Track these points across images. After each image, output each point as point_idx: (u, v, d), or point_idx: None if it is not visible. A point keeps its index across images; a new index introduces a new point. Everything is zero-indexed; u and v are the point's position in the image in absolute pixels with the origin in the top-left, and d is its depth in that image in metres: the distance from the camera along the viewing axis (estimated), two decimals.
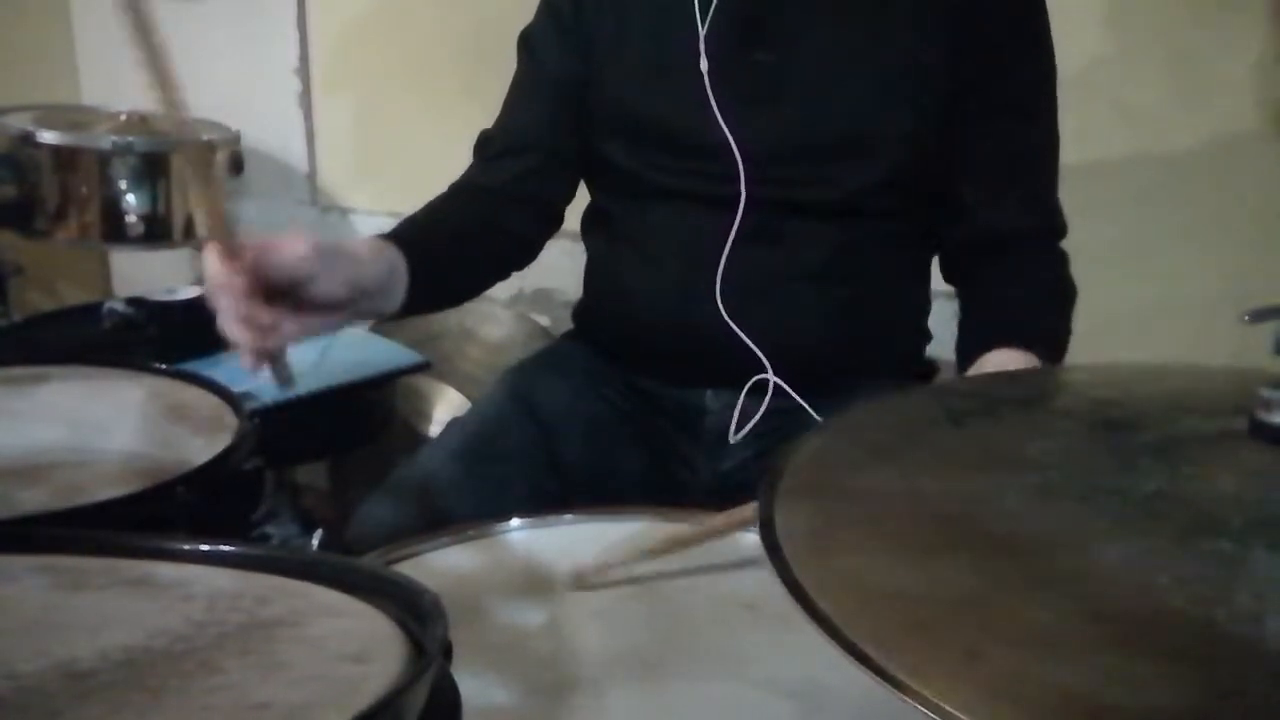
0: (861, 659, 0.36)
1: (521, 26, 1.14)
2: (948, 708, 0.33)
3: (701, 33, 1.01)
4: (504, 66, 1.15)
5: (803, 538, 0.44)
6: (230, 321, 0.78)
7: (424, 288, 0.95)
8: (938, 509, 0.47)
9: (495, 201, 1.09)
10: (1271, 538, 0.41)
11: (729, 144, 1.00)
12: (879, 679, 0.35)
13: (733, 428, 1.05)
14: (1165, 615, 0.38)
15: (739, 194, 1.01)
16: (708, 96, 1.00)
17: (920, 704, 0.34)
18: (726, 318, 1.02)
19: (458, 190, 1.11)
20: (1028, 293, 1.02)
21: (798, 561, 0.42)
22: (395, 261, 0.92)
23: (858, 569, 0.43)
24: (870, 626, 0.37)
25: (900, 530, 0.46)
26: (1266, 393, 0.48)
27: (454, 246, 1.04)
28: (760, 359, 1.02)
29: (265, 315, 0.78)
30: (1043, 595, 0.40)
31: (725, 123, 1.00)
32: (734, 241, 1.02)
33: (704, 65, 1.01)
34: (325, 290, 0.82)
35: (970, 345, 1.00)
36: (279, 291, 0.80)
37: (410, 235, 0.98)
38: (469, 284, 1.12)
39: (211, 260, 0.78)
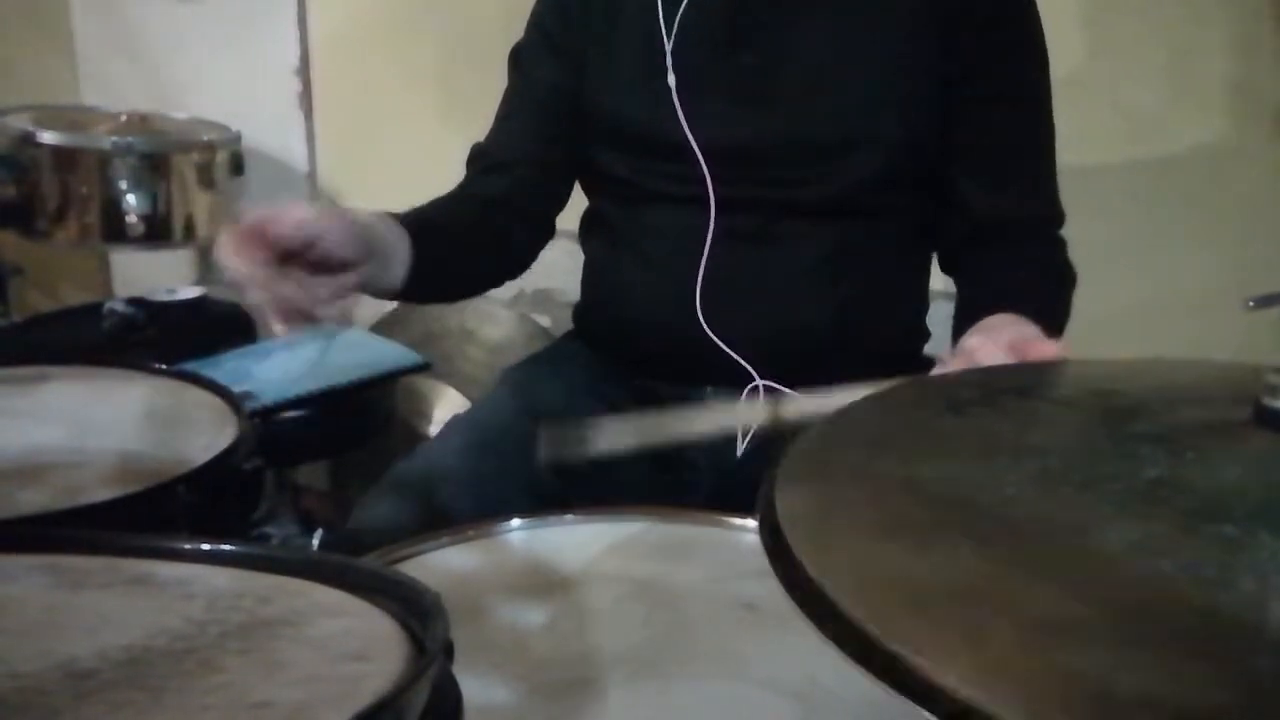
0: (861, 651, 0.36)
1: (522, 26, 1.15)
2: (949, 691, 0.33)
3: (668, 47, 1.02)
4: (504, 67, 1.15)
5: (803, 525, 0.44)
6: (262, 299, 0.80)
7: (424, 272, 0.96)
8: (938, 496, 0.47)
9: (490, 212, 1.10)
10: (1276, 523, 0.41)
11: (696, 152, 1.01)
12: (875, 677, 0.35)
13: (738, 435, 1.05)
14: (1168, 600, 0.38)
15: (715, 199, 1.02)
16: (675, 107, 1.01)
17: (920, 691, 0.34)
18: (706, 327, 1.02)
19: (455, 198, 1.11)
20: (1027, 274, 1.02)
21: (798, 548, 0.42)
22: (400, 234, 0.94)
23: (858, 556, 0.43)
24: (870, 613, 0.37)
25: (901, 518, 0.46)
26: (1272, 378, 0.48)
27: (455, 242, 1.05)
28: (746, 367, 1.02)
29: (286, 283, 0.80)
30: (1044, 580, 0.40)
31: (703, 129, 1.01)
32: (714, 247, 1.03)
33: (671, 80, 1.02)
34: (336, 246, 0.83)
35: (966, 319, 0.99)
36: (293, 255, 0.81)
37: (415, 220, 0.98)
38: (465, 283, 1.13)
39: (224, 246, 0.80)
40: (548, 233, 1.16)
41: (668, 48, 1.02)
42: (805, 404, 0.81)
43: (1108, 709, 0.33)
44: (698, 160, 1.02)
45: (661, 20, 1.03)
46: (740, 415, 0.82)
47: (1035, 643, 0.36)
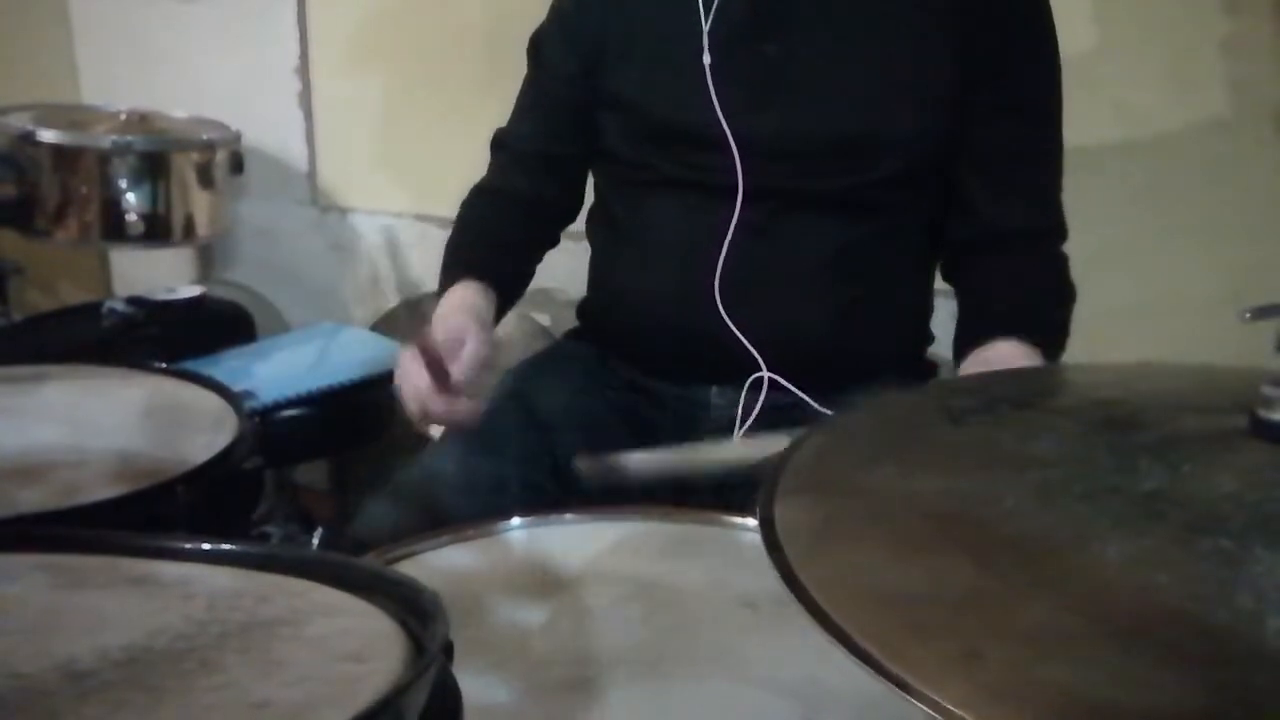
0: (862, 657, 0.36)
1: (524, 29, 1.15)
2: (948, 706, 0.33)
3: (705, 28, 1.02)
4: (505, 67, 1.15)
5: (803, 536, 0.44)
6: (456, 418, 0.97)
7: (505, 302, 1.10)
8: (938, 508, 0.47)
9: (526, 205, 1.16)
10: (1272, 536, 0.41)
11: (728, 139, 1.00)
12: (880, 677, 0.35)
13: (736, 424, 1.05)
14: (1165, 614, 0.38)
15: (739, 189, 1.01)
16: (709, 91, 1.01)
17: (920, 702, 0.34)
18: (725, 316, 1.02)
19: (493, 197, 1.17)
20: (1028, 290, 1.02)
21: (798, 560, 0.42)
22: (488, 298, 1.07)
23: (858, 567, 0.43)
24: (871, 625, 0.37)
25: (900, 529, 0.46)
26: (1267, 390, 0.48)
27: (515, 260, 1.15)
28: (758, 360, 1.02)
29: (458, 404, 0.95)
30: (1043, 594, 0.40)
31: (727, 116, 1.01)
32: (734, 237, 1.02)
33: (707, 59, 1.01)
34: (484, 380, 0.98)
35: (968, 339, 1.00)
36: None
37: (491, 269, 1.09)
38: (526, 283, 1.20)
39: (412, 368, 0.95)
40: (575, 213, 1.21)
41: (705, 28, 1.02)
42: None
43: None
44: (727, 148, 1.01)
45: (701, 5, 1.03)
46: (765, 446, 0.84)
47: (1033, 660, 0.36)
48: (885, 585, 0.41)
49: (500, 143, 1.17)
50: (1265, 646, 0.36)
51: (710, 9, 1.02)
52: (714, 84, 1.01)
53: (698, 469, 0.88)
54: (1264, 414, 0.48)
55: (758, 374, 1.03)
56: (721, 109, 1.01)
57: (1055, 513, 0.46)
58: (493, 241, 1.14)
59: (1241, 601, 0.38)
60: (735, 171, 1.01)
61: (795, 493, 0.49)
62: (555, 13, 1.13)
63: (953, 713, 0.33)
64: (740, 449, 0.87)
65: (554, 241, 1.20)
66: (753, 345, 1.02)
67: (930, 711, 0.34)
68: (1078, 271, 1.04)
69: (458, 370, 0.95)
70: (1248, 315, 0.51)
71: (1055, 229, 1.05)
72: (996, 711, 0.33)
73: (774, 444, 0.82)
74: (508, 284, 1.11)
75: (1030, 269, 1.04)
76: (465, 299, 1.05)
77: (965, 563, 0.42)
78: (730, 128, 1.01)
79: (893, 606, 0.40)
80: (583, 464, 0.92)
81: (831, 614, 0.38)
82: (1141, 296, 1.51)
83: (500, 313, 1.10)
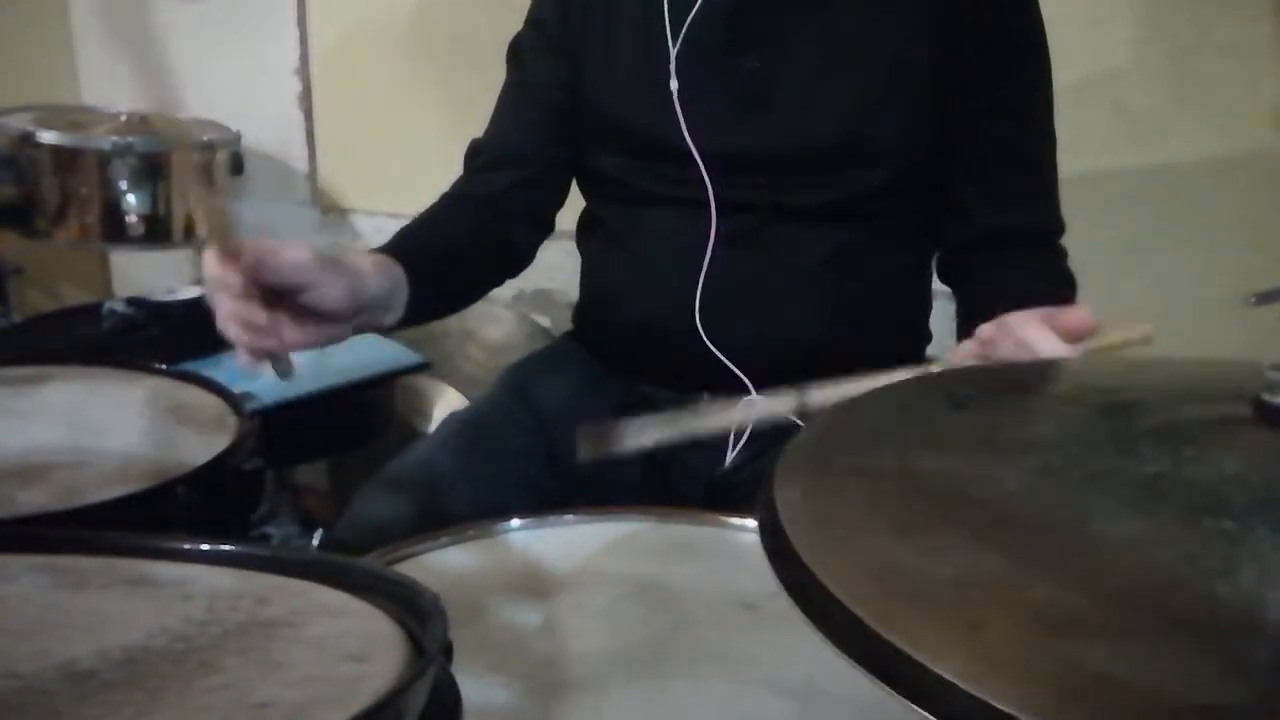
0: (859, 642, 0.36)
1: (521, 27, 1.14)
2: (949, 677, 0.33)
3: (672, 52, 1.01)
4: (504, 67, 1.15)
5: (802, 519, 0.44)
6: (226, 320, 0.79)
7: (423, 301, 0.96)
8: (938, 490, 0.47)
9: (488, 212, 1.09)
10: (1275, 517, 0.41)
11: (696, 157, 1.00)
12: (877, 678, 0.35)
13: (730, 443, 1.05)
14: (1168, 590, 0.38)
15: (719, 204, 1.01)
16: (677, 113, 1.00)
17: (918, 687, 0.34)
18: (705, 338, 1.02)
19: (451, 200, 1.10)
20: (1029, 280, 1.01)
21: (798, 542, 0.42)
22: (397, 276, 0.93)
23: (857, 550, 0.43)
24: (869, 606, 0.37)
25: (900, 512, 0.46)
26: (1272, 374, 0.48)
27: (451, 259, 1.04)
28: (740, 376, 1.02)
29: (259, 316, 0.78)
30: (1044, 573, 0.40)
31: (704, 133, 1.00)
32: (714, 252, 1.02)
33: (674, 85, 1.01)
34: (326, 299, 0.82)
35: (971, 325, 0.98)
36: (278, 296, 0.80)
37: (409, 248, 0.98)
38: (465, 295, 1.12)
39: (210, 260, 0.78)
40: (546, 230, 1.15)
41: (672, 51, 1.02)
42: (828, 392, 0.80)
43: (1107, 700, 0.33)
44: (698, 165, 1.01)
45: (668, 22, 1.02)
46: (767, 407, 0.82)
47: (1034, 634, 0.36)
48: (885, 565, 0.41)
49: (477, 150, 1.12)
50: (1266, 623, 0.36)
51: (680, 29, 1.01)
52: (682, 105, 1.00)
53: (699, 433, 0.84)
54: (1268, 398, 0.48)
55: (746, 397, 1.03)
56: (693, 129, 1.00)
57: (1057, 495, 0.46)
58: (430, 234, 1.05)
59: (1244, 579, 0.38)
60: (716, 186, 1.01)
61: (796, 475, 0.49)
62: (535, 18, 1.12)
63: (953, 692, 0.33)
64: (741, 413, 0.84)
65: (521, 252, 1.13)
66: (744, 357, 1.02)
67: (927, 712, 0.33)
68: (1077, 272, 1.04)
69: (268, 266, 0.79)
70: (1252, 300, 0.51)
71: (1052, 227, 1.05)
72: (998, 689, 0.33)
73: (775, 406, 0.81)
74: (426, 274, 0.96)
75: (1028, 265, 1.03)
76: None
77: (966, 544, 0.42)
78: (704, 146, 1.00)
79: (892, 586, 0.39)
80: (584, 439, 0.82)
81: (838, 597, 0.38)
82: (1141, 296, 1.51)
83: (418, 301, 0.95)
